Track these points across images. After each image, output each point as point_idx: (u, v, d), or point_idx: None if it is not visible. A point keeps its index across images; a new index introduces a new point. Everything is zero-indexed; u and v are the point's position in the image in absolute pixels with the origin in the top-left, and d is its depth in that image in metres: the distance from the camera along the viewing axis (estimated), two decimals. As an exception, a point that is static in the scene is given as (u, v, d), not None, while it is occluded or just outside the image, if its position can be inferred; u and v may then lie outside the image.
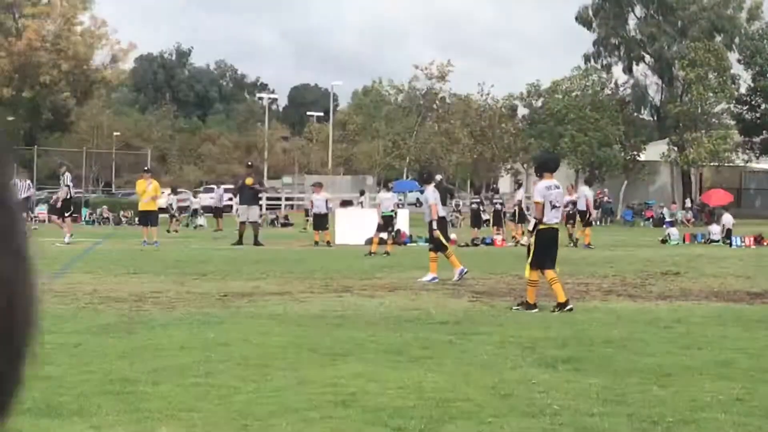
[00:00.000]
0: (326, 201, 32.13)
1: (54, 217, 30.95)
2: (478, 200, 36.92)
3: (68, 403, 7.13)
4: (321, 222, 31.46)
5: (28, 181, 32.21)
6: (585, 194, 32.36)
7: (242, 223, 30.33)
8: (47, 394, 7.35)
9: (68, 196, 30.45)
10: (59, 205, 30.92)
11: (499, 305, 14.05)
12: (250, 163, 35.61)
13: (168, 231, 40.72)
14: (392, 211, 26.81)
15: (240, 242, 29.60)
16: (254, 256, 25.06)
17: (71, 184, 31.10)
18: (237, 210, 31.91)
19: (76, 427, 6.49)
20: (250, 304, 13.72)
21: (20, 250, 0.82)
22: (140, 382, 7.88)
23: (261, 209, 37.56)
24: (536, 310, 13.07)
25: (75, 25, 70.05)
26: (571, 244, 30.34)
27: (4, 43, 66.57)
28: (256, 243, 29.33)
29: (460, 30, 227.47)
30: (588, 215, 32.01)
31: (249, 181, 30.65)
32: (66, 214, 30.63)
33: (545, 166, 14.14)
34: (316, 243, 30.84)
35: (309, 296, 14.93)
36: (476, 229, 34.37)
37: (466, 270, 18.07)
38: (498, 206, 35.00)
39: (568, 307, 13.08)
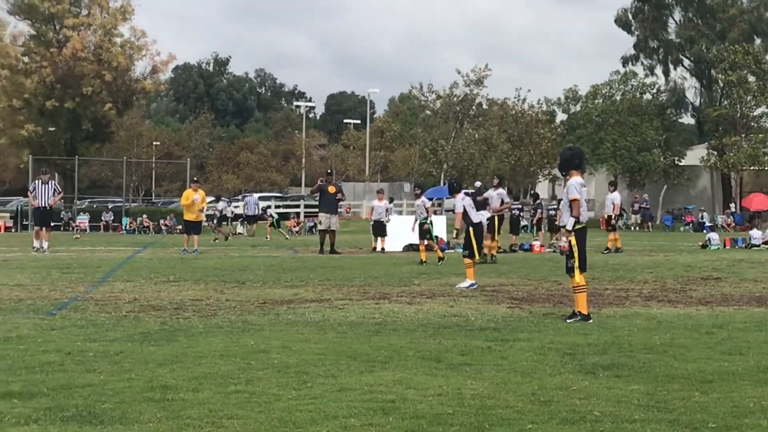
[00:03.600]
0: (387, 209, 32.13)
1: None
2: (519, 206, 36.81)
3: (110, 410, 7.18)
4: (381, 229, 31.50)
5: (54, 183, 32.40)
6: (612, 199, 32.09)
7: (323, 231, 30.59)
8: (89, 402, 7.43)
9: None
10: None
11: (538, 311, 13.99)
12: (329, 171, 35.82)
13: (220, 239, 40.94)
14: (426, 218, 26.70)
15: (322, 250, 29.83)
16: (294, 263, 25.15)
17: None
18: (319, 218, 31.91)
19: (118, 434, 6.54)
20: (290, 312, 13.76)
21: None
22: (181, 389, 7.93)
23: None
24: (591, 320, 12.68)
25: (115, 36, 70.59)
26: (608, 251, 30.18)
27: (46, 54, 67.20)
28: (333, 251, 29.56)
29: (497, 35, 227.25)
30: (614, 220, 31.76)
31: (331, 189, 30.89)
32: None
33: (571, 163, 13.42)
34: (375, 249, 30.98)
35: (347, 303, 14.95)
36: (515, 235, 34.26)
37: (476, 285, 17.81)
38: (538, 212, 34.84)
39: (590, 320, 12.67)
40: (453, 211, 19.59)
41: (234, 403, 7.45)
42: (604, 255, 28.70)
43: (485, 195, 28.07)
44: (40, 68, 66.72)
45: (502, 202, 27.99)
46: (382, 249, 31.02)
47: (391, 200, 50.00)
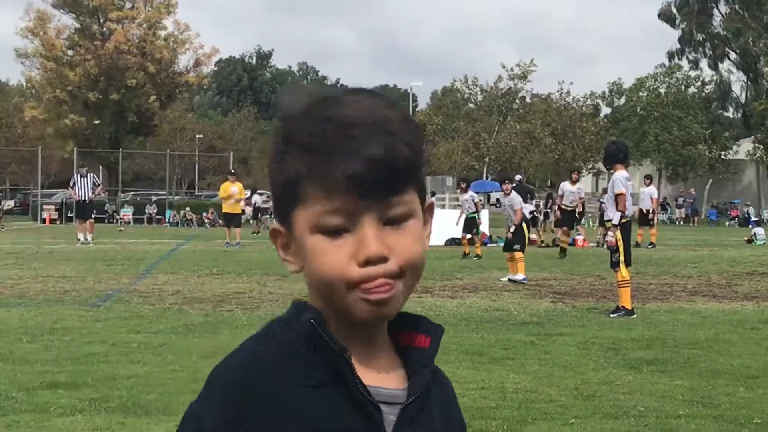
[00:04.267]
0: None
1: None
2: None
3: (154, 401, 7.24)
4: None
5: (93, 175, 32.62)
6: (650, 194, 31.78)
7: None
8: (134, 393, 7.49)
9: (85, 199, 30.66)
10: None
11: (581, 306, 13.92)
12: None
13: (255, 232, 41.13)
14: (475, 212, 26.51)
15: None
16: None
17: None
18: None
19: (162, 425, 6.58)
20: (331, 305, 13.77)
21: None
22: (224, 381, 7.96)
23: None
24: (635, 315, 12.59)
25: (159, 29, 71.06)
26: (650, 245, 29.95)
27: (90, 47, 67.78)
28: None
29: (540, 28, 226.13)
30: (651, 214, 31.49)
31: None
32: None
33: (615, 157, 13.34)
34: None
35: (390, 297, 14.93)
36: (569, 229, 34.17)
37: (526, 280, 17.72)
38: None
39: (634, 315, 12.59)
40: (497, 204, 19.54)
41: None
42: (647, 249, 28.48)
43: (562, 189, 28.27)
44: (84, 61, 67.30)
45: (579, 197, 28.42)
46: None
47: (432, 194, 49.97)
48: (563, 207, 28.44)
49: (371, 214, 1.31)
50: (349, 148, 1.29)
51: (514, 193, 18.91)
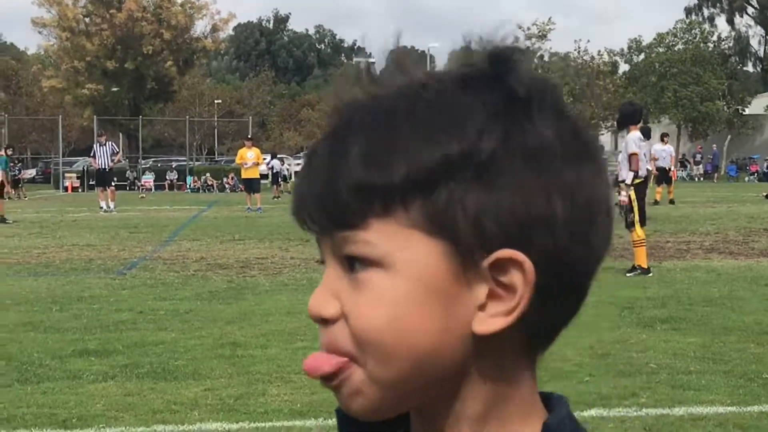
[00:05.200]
0: None
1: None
2: None
3: (183, 366, 7.50)
4: None
5: (112, 144, 32.93)
6: (670, 152, 31.85)
7: None
8: (163, 359, 7.76)
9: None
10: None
11: (598, 266, 14.08)
12: None
13: (275, 197, 41.41)
14: None
15: None
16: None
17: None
18: None
19: (191, 389, 6.85)
20: (353, 269, 13.99)
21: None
22: (250, 345, 8.23)
23: None
24: (651, 274, 12.78)
25: (175, -5, 71.08)
26: (670, 203, 30.05)
27: (105, 15, 67.86)
28: None
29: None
30: (671, 172, 31.64)
31: None
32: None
33: (630, 118, 13.40)
34: None
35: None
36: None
37: None
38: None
39: (650, 274, 12.80)
40: None
41: (301, 359, 7.60)
42: (666, 207, 28.58)
43: (654, 150, 28.65)
44: (101, 30, 67.42)
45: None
46: None
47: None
48: (658, 167, 29.17)
49: (327, 247, 0.88)
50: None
51: None
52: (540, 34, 73.03)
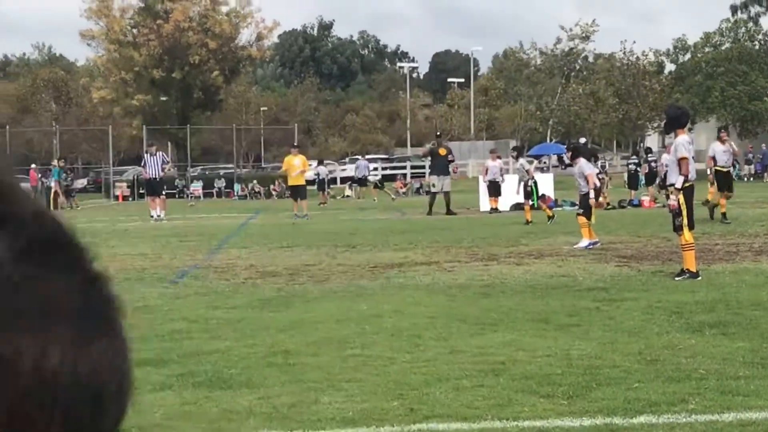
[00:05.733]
0: (500, 168, 32.01)
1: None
2: (636, 161, 36.59)
3: (236, 375, 7.66)
4: (496, 189, 31.49)
5: (162, 153, 33.39)
6: (729, 150, 31.44)
7: (434, 194, 31.01)
8: (217, 368, 7.92)
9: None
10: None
11: (646, 270, 14.10)
12: (439, 134, 36.14)
13: (321, 204, 41.65)
14: (528, 179, 26.59)
15: (431, 212, 30.30)
16: (401, 226, 25.56)
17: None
18: (430, 180, 32.55)
19: (245, 397, 7.00)
20: (400, 275, 14.13)
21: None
22: (301, 353, 8.37)
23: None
24: (699, 278, 12.75)
25: (220, 5, 71.64)
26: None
27: (153, 26, 68.61)
28: (449, 212, 30.04)
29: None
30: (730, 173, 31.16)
31: (442, 151, 31.35)
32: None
33: (678, 122, 13.42)
34: (493, 210, 31.00)
35: (456, 265, 15.25)
36: (634, 190, 34.22)
37: (598, 243, 17.88)
38: (653, 165, 34.36)
39: (698, 278, 12.74)
40: (561, 166, 19.67)
41: (351, 367, 7.85)
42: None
43: (713, 150, 28.41)
44: (148, 41, 68.19)
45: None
46: (495, 209, 31.18)
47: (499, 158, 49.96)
48: (717, 169, 28.75)
49: None
50: None
51: (582, 160, 18.94)
52: (584, 35, 72.74)
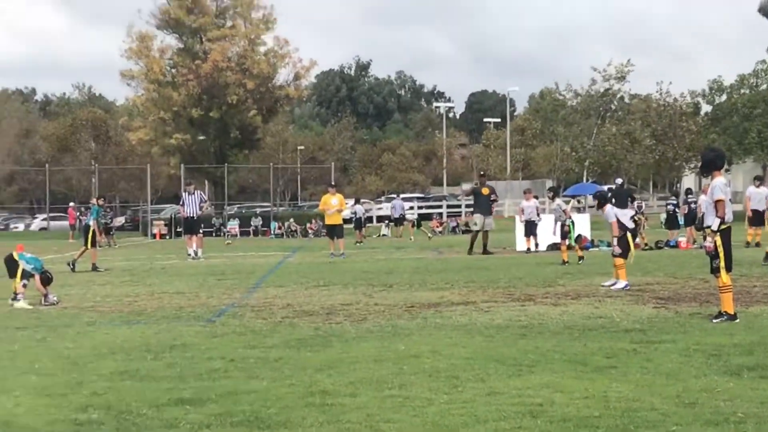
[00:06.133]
0: (536, 208, 31.96)
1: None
2: (675, 202, 36.50)
3: (275, 415, 7.70)
4: (531, 229, 31.51)
5: (200, 192, 33.71)
6: (765, 194, 31.33)
7: (476, 232, 31.05)
8: (255, 407, 7.96)
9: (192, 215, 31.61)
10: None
11: (684, 311, 14.03)
12: (483, 173, 36.23)
13: (357, 242, 41.74)
14: (565, 219, 26.56)
15: (470, 251, 30.37)
16: (439, 265, 25.57)
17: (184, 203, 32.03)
18: (473, 219, 32.63)
19: (283, 437, 7.03)
20: (437, 315, 14.14)
21: None
22: (339, 394, 8.40)
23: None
24: (737, 320, 12.68)
25: (258, 45, 72.34)
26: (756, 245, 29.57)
27: (191, 66, 69.38)
28: (486, 252, 30.09)
29: (637, 28, 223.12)
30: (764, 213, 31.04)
31: (485, 190, 31.46)
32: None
33: (713, 164, 13.41)
34: (528, 250, 31.03)
35: (493, 306, 15.25)
36: (674, 231, 34.06)
37: (629, 286, 17.82)
38: (692, 206, 34.21)
39: (736, 320, 12.69)
40: (597, 208, 19.68)
41: (389, 407, 7.88)
42: (754, 249, 28.18)
43: (749, 192, 28.51)
44: (187, 81, 68.96)
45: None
46: (528, 249, 31.15)
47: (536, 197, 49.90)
48: (753, 210, 28.89)
49: None
50: None
51: (608, 207, 18.95)
52: (618, 75, 72.69)
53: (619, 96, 75.83)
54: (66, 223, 61.23)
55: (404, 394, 8.38)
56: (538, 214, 31.68)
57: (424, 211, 67.26)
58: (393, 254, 32.52)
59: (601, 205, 19.35)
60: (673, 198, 38.13)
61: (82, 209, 54.32)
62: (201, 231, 32.82)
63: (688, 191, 38.37)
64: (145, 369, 9.93)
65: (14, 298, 16.91)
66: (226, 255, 34.13)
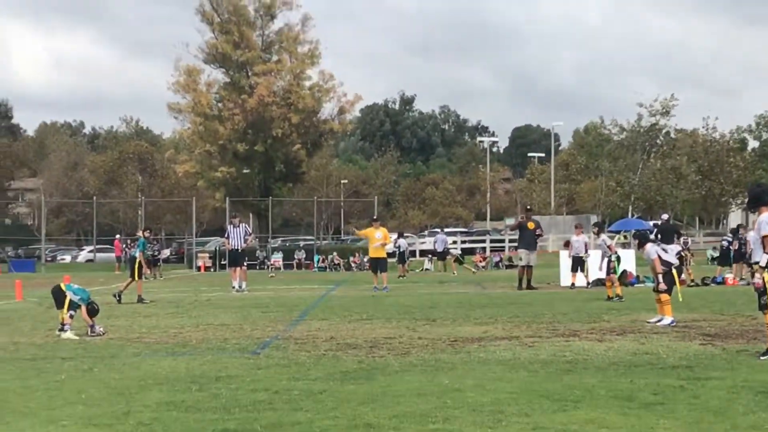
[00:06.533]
0: (585, 243, 31.79)
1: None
2: (729, 239, 36.18)
3: (319, 447, 7.70)
4: (578, 264, 31.35)
5: (245, 225, 33.96)
6: None
7: (522, 267, 30.92)
8: (300, 439, 7.97)
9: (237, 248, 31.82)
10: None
11: (731, 348, 13.87)
12: (528, 207, 36.21)
13: (400, 276, 41.74)
14: (611, 255, 26.38)
15: (520, 286, 30.19)
16: (482, 300, 25.49)
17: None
18: (518, 254, 32.56)
19: (328, 469, 7.04)
20: (480, 350, 14.09)
21: None
22: (383, 427, 8.39)
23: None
24: None
25: (303, 79, 72.94)
26: None
27: (237, 100, 70.07)
28: (530, 287, 29.93)
29: (681, 61, 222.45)
30: None
31: (531, 225, 31.37)
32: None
33: (761, 200, 13.23)
34: (573, 285, 30.88)
35: (537, 341, 15.17)
36: (724, 267, 33.74)
37: (675, 322, 17.66)
38: (742, 242, 33.85)
39: None
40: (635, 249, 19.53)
41: (433, 441, 7.84)
42: None
43: None
44: (233, 115, 69.62)
45: None
46: (572, 285, 30.97)
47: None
48: None
49: None
50: None
51: (648, 245, 18.80)
52: (664, 110, 72.35)
53: (664, 131, 75.46)
54: (112, 254, 61.83)
55: (448, 428, 8.35)
56: (586, 250, 31.49)
57: (467, 245, 67.13)
58: (436, 288, 32.46)
59: (641, 245, 19.22)
60: (729, 235, 37.73)
61: (128, 241, 54.84)
62: (245, 264, 33.00)
63: (738, 227, 38.00)
64: (190, 400, 9.98)
65: (61, 329, 17.09)
66: (270, 288, 34.25)
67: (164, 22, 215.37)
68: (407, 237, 56.13)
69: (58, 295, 17.55)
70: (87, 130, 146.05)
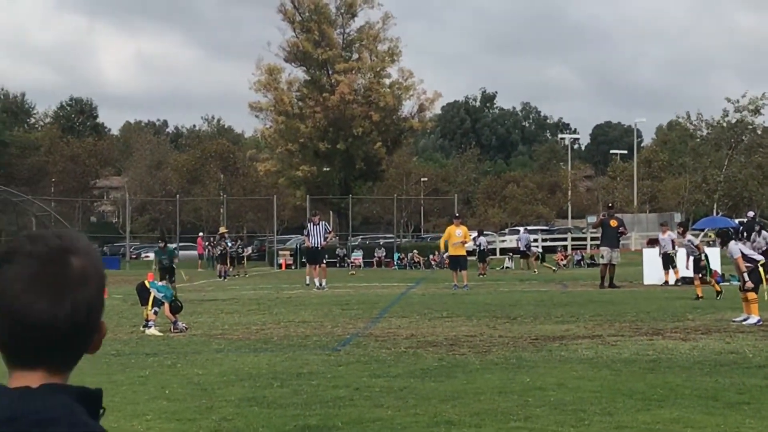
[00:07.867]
0: (672, 241, 31.40)
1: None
2: None
3: (400, 443, 7.70)
4: (667, 262, 31.04)
5: (325, 223, 34.12)
6: None
7: (604, 265, 30.63)
8: (381, 435, 7.99)
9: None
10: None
11: (821, 348, 13.55)
12: (611, 205, 35.87)
13: (481, 274, 41.60)
14: (699, 254, 25.99)
15: (602, 284, 29.93)
16: (563, 298, 25.27)
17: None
18: (600, 252, 32.25)
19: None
20: (562, 348, 13.97)
21: None
22: (464, 424, 8.36)
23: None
24: None
25: (384, 77, 73.08)
26: None
27: (319, 99, 70.48)
28: (612, 285, 29.63)
29: (766, 56, 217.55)
30: None
31: (613, 222, 31.04)
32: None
33: None
34: (666, 283, 30.56)
35: (620, 339, 14.99)
36: None
37: (761, 322, 17.30)
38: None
39: None
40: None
41: (514, 439, 7.80)
42: None
43: None
44: (314, 113, 70.03)
45: None
46: (666, 282, 30.59)
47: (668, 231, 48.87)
48: None
49: None
50: None
51: (731, 244, 18.47)
52: (753, 108, 70.86)
53: (751, 128, 73.92)
54: (195, 252, 62.63)
55: (529, 426, 8.29)
56: (673, 247, 31.10)
57: (548, 243, 66.60)
58: (516, 287, 32.27)
59: (724, 243, 18.90)
60: None
61: (211, 239, 55.51)
62: (324, 261, 33.16)
63: None
64: (272, 396, 10.06)
65: (146, 325, 17.36)
66: (350, 285, 34.39)
67: (246, 23, 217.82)
68: (487, 235, 55.80)
69: (143, 292, 17.83)
70: (170, 129, 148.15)
